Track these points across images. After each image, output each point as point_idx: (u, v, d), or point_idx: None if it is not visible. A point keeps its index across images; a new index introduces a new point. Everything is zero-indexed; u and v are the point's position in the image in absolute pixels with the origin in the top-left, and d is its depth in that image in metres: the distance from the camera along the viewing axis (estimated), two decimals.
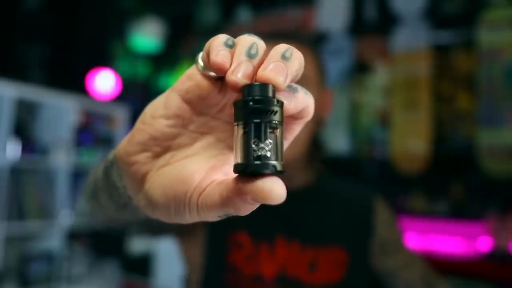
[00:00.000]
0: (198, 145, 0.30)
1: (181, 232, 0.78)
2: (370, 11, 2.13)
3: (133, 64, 3.21)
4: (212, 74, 0.27)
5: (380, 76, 2.10)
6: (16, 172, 2.26)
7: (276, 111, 0.24)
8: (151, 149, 0.29)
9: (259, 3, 2.53)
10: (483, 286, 1.50)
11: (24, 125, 2.45)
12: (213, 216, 0.27)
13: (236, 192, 0.24)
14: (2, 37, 2.96)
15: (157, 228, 0.68)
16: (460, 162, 1.84)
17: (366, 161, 2.09)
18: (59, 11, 3.26)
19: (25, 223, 2.26)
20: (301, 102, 0.27)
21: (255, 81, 0.25)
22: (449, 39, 1.89)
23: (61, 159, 2.44)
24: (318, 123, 0.82)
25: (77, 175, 2.52)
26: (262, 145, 0.24)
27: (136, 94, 3.19)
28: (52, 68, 3.23)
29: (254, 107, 0.24)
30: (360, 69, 2.14)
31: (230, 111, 0.29)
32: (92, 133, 2.71)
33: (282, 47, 0.26)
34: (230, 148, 0.30)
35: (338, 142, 2.14)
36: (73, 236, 2.56)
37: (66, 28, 3.30)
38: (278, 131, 0.25)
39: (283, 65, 0.25)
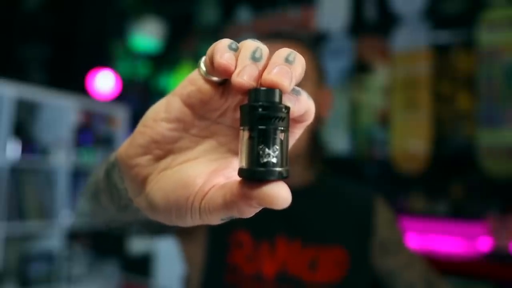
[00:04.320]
0: (199, 148, 0.30)
1: (182, 232, 0.78)
2: (370, 11, 2.13)
3: (133, 64, 3.21)
4: (215, 78, 0.27)
5: (380, 76, 2.10)
6: (16, 172, 2.26)
7: (284, 118, 0.24)
8: (152, 152, 0.29)
9: (259, 3, 2.53)
10: (483, 286, 1.50)
11: (24, 125, 2.45)
12: (215, 220, 0.27)
13: (241, 196, 0.24)
14: (2, 37, 2.96)
15: (158, 228, 0.68)
16: (460, 162, 1.84)
17: (366, 161, 2.09)
18: (59, 11, 3.26)
19: (25, 223, 2.26)
20: (304, 105, 0.27)
21: (261, 84, 0.25)
22: (449, 39, 1.89)
23: (61, 159, 2.44)
24: (317, 122, 0.82)
25: (77, 175, 2.52)
26: (268, 151, 0.24)
27: (136, 94, 3.18)
28: (52, 68, 3.23)
29: (262, 113, 0.24)
30: (360, 69, 2.14)
31: (231, 115, 0.29)
32: (92, 133, 2.71)
33: (285, 51, 0.26)
34: (231, 152, 0.30)
35: (338, 142, 2.14)
36: (73, 236, 2.56)
37: (66, 28, 3.30)
38: (284, 137, 0.25)
39: (287, 68, 0.25)
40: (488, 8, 1.78)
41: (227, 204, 0.25)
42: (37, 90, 2.40)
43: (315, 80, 0.79)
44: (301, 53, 0.77)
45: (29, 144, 2.36)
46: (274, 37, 0.81)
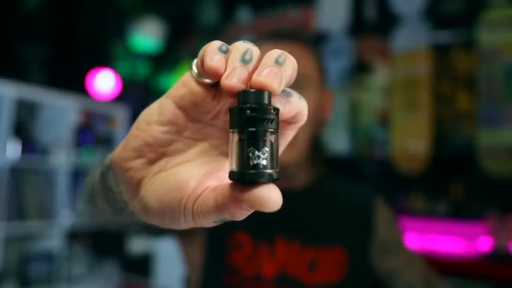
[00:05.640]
0: (192, 151, 0.30)
1: (182, 232, 0.78)
2: (370, 11, 2.13)
3: (133, 64, 3.21)
4: (206, 80, 0.27)
5: (380, 76, 2.10)
6: (16, 172, 2.26)
7: (273, 119, 0.24)
8: (145, 155, 0.29)
9: (259, 3, 2.53)
10: (483, 286, 1.50)
11: (24, 125, 2.45)
12: (208, 222, 0.27)
13: (232, 199, 0.24)
14: (2, 37, 2.96)
15: (157, 229, 0.68)
16: (460, 162, 1.83)
17: (366, 161, 2.09)
18: (59, 11, 3.26)
19: (25, 223, 2.26)
20: (295, 107, 0.27)
21: (250, 86, 0.24)
22: (449, 39, 1.88)
23: (61, 159, 2.44)
24: (318, 124, 0.82)
25: (77, 175, 2.52)
26: (258, 153, 0.24)
27: (136, 94, 3.18)
28: (52, 68, 3.23)
29: (250, 115, 0.24)
30: (360, 69, 2.14)
31: (224, 117, 0.29)
32: (92, 133, 2.71)
33: (275, 52, 0.26)
34: (224, 154, 0.30)
35: (338, 142, 2.13)
36: (73, 236, 2.56)
37: (66, 28, 3.30)
38: (273, 139, 0.24)
39: (277, 70, 0.25)
40: (488, 8, 1.78)
41: (219, 207, 0.25)
42: (37, 90, 2.40)
43: (317, 82, 0.78)
44: (303, 55, 0.77)
45: (29, 144, 2.36)
46: (276, 37, 0.80)
